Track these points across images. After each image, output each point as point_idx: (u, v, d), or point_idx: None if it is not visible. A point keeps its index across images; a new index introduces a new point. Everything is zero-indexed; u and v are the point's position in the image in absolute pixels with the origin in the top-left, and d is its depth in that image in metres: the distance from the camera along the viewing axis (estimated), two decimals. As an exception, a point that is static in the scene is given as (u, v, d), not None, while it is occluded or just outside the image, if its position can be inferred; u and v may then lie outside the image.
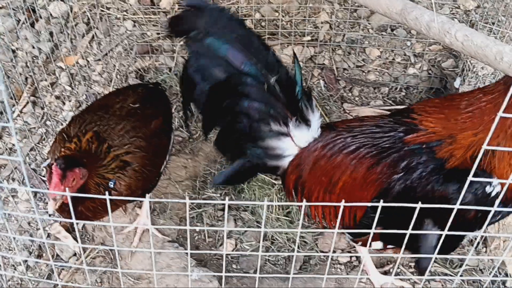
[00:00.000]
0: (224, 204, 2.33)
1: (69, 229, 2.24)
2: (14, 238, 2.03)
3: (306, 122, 1.75)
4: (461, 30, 1.30)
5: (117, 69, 2.89)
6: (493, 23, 2.91)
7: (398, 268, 2.20)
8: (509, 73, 1.24)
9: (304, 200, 1.83)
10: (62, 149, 1.68)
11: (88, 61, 2.93)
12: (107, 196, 1.02)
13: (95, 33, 3.03)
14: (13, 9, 3.07)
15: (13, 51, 2.98)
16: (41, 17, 3.02)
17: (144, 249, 2.13)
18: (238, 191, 2.47)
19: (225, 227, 1.10)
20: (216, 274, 1.39)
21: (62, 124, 2.63)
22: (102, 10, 3.12)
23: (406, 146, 1.69)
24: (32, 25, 3.07)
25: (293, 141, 1.77)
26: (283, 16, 3.08)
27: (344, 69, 2.98)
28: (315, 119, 1.77)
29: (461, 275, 2.09)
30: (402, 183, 1.67)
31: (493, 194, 1.57)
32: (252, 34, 1.70)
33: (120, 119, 1.87)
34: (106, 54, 2.96)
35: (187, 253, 2.11)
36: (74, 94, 2.77)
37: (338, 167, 1.76)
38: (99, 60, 2.94)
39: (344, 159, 1.76)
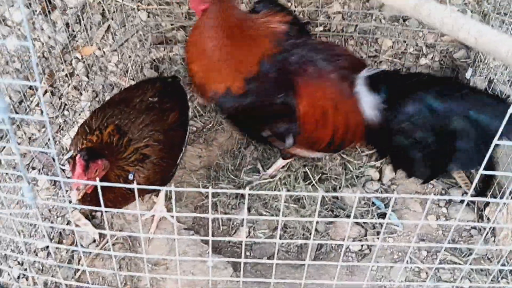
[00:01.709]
0: (238, 194, 2.40)
1: (88, 216, 2.31)
2: (40, 226, 2.11)
3: None
4: (475, 26, 1.32)
5: (133, 60, 2.94)
6: (506, 14, 2.92)
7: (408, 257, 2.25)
8: (521, 68, 1.27)
9: None
10: (84, 141, 1.73)
11: (104, 52, 2.98)
12: (135, 186, 1.07)
13: (110, 24, 3.08)
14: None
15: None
16: (56, 8, 3.07)
17: (166, 235, 2.20)
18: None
19: (245, 216, 1.16)
20: (232, 259, 1.45)
21: (79, 114, 2.69)
22: (116, 1, 3.15)
23: None
24: (48, 15, 3.12)
25: None
26: (295, 7, 3.10)
27: (356, 59, 3.00)
28: None
29: (470, 264, 2.14)
30: None
31: None
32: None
33: (139, 113, 1.93)
34: (122, 45, 3.01)
35: (204, 240, 2.17)
36: (91, 85, 2.83)
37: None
38: (115, 50, 2.99)
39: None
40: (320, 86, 1.94)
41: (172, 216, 2.33)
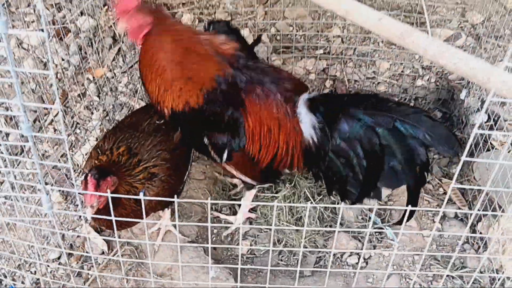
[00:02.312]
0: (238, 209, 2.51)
1: (98, 229, 2.42)
2: (61, 235, 2.22)
3: None
4: (455, 53, 1.45)
5: (141, 81, 3.09)
6: (499, 37, 3.05)
7: (403, 269, 2.34)
8: (497, 92, 1.39)
9: None
10: (96, 162, 1.87)
11: (114, 73, 3.14)
12: (141, 197, 1.19)
13: (121, 47, 3.24)
14: (45, 24, 3.30)
15: (44, 64, 3.20)
16: (70, 32, 3.24)
17: (171, 243, 2.31)
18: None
19: (240, 226, 1.27)
20: (230, 266, 1.56)
21: (90, 132, 2.83)
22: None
23: None
24: (62, 39, 3.29)
25: None
26: (297, 31, 3.25)
27: (355, 80, 3.13)
28: None
29: (460, 276, 2.22)
30: None
31: None
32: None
33: (148, 135, 2.07)
34: (131, 67, 3.16)
35: (207, 253, 2.28)
36: (102, 104, 2.97)
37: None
38: (125, 72, 3.14)
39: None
40: (266, 105, 2.05)
41: (175, 227, 2.45)
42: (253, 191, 2.49)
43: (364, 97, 2.31)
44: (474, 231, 2.41)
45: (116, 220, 1.91)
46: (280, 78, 2.12)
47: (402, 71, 3.10)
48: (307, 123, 2.06)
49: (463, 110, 2.83)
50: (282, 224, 2.51)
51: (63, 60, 3.19)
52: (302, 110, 2.07)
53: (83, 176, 1.74)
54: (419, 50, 1.50)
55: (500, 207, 2.30)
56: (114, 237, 2.40)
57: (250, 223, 2.55)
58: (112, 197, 1.79)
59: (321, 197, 2.61)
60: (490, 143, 2.50)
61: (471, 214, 2.44)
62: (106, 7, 3.39)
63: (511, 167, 2.26)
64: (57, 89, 3.00)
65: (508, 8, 3.16)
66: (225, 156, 2.13)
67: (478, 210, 2.30)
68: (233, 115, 2.05)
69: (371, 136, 1.95)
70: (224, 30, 2.22)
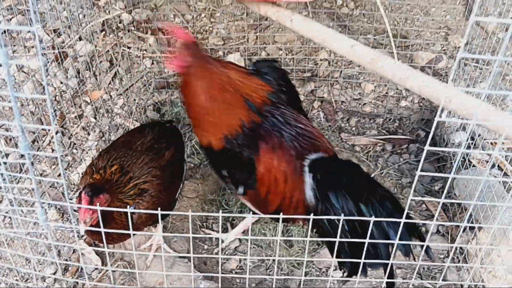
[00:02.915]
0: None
1: (92, 245, 2.52)
2: (56, 250, 2.31)
3: None
4: (419, 77, 1.57)
5: (137, 103, 3.22)
6: (478, 61, 3.18)
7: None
8: (457, 111, 1.51)
9: None
10: (90, 180, 1.98)
11: (111, 96, 3.26)
12: (129, 210, 1.30)
13: (117, 70, 3.37)
14: (43, 49, 3.44)
15: (44, 87, 3.33)
16: (68, 56, 3.38)
17: (163, 253, 2.40)
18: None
19: (219, 235, 1.37)
20: (213, 274, 1.65)
21: (87, 152, 2.94)
22: (123, 49, 3.47)
23: None
24: (61, 63, 3.43)
25: None
26: (286, 54, 3.39)
27: (342, 101, 3.26)
28: None
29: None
30: None
31: None
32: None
33: (140, 153, 2.18)
34: (127, 89, 3.30)
35: (197, 268, 2.37)
36: (98, 126, 3.09)
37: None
38: (121, 94, 3.27)
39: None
40: (277, 157, 2.14)
41: (167, 245, 2.54)
42: (255, 218, 2.58)
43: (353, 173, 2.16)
44: (456, 246, 2.50)
45: (108, 235, 2.02)
46: (299, 134, 2.19)
47: (386, 93, 3.23)
48: (308, 184, 2.11)
49: (444, 130, 2.95)
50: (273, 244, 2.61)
51: (61, 83, 3.32)
52: (307, 170, 2.13)
53: (77, 194, 1.85)
54: (388, 74, 1.63)
55: (477, 220, 2.40)
56: (108, 249, 2.51)
57: (240, 240, 2.64)
58: (105, 214, 1.91)
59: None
60: (469, 160, 2.61)
61: (456, 229, 2.54)
62: (103, 32, 3.54)
63: (491, 185, 2.37)
64: (55, 111, 3.13)
65: (489, 32, 3.31)
66: (240, 190, 2.25)
67: (462, 224, 2.40)
68: (249, 157, 2.16)
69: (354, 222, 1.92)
70: (267, 70, 2.32)
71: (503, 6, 3.37)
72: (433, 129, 1.19)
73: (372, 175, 2.86)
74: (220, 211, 1.32)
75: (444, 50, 3.44)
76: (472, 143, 2.68)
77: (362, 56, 1.68)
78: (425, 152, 1.20)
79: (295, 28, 1.91)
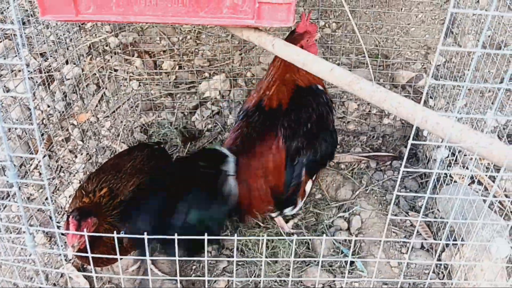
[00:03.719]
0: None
1: (80, 269, 2.52)
2: (44, 275, 2.32)
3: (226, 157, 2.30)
4: (395, 98, 1.63)
5: (124, 125, 3.25)
6: (459, 77, 3.27)
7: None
8: (434, 132, 1.57)
9: None
10: (80, 203, 2.01)
11: (97, 118, 3.29)
12: (115, 235, 1.32)
13: (104, 93, 3.41)
14: (30, 72, 3.47)
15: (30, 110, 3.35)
16: (55, 80, 3.41)
17: (150, 276, 2.41)
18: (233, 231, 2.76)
19: (205, 258, 1.40)
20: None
21: (74, 176, 2.96)
22: (110, 72, 3.51)
23: None
24: (48, 86, 3.45)
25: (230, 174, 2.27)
26: (271, 75, 3.45)
27: (327, 120, 3.32)
28: (227, 151, 2.33)
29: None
30: None
31: None
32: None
33: (130, 176, 2.21)
34: (114, 112, 3.33)
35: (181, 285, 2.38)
36: (86, 148, 3.12)
37: (257, 157, 2.40)
38: (108, 116, 3.30)
39: (257, 151, 2.40)
40: None
41: (158, 268, 2.55)
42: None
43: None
44: (439, 260, 2.55)
45: (97, 258, 2.04)
46: None
47: (369, 111, 3.30)
48: None
49: (426, 146, 3.02)
50: (259, 256, 2.63)
51: (48, 106, 3.34)
52: None
53: (65, 217, 1.87)
54: (365, 96, 1.69)
55: (459, 235, 2.45)
56: (97, 273, 2.51)
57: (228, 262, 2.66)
58: (94, 237, 1.93)
59: (295, 232, 2.75)
60: (451, 176, 2.67)
61: (438, 244, 2.59)
62: (90, 56, 3.58)
63: (471, 200, 2.43)
64: (42, 134, 3.14)
65: (466, 52, 3.40)
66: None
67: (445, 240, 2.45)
68: None
69: None
70: None
71: (480, 25, 3.48)
72: (407, 152, 1.24)
73: (357, 192, 2.91)
74: (206, 234, 1.36)
75: (424, 68, 3.53)
76: (453, 159, 2.75)
77: (340, 78, 1.74)
78: (401, 173, 1.25)
79: (276, 53, 1.97)
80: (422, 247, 2.66)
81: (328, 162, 2.67)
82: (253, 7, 1.85)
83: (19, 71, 3.61)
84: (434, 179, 2.19)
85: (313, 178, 2.56)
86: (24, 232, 1.36)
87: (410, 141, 1.17)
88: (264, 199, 2.41)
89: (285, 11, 1.84)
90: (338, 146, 3.23)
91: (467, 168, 2.70)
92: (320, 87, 2.57)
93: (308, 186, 2.54)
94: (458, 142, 1.47)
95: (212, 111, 3.40)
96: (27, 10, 3.70)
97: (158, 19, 1.88)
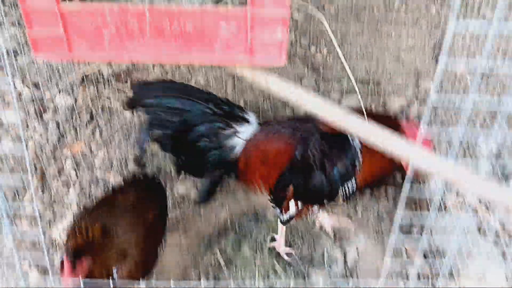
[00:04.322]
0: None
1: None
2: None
3: (246, 121, 2.46)
4: (383, 135, 1.64)
5: (118, 156, 3.24)
6: (449, 102, 3.30)
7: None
8: (429, 173, 1.58)
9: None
10: (73, 242, 1.98)
11: (91, 149, 3.28)
12: (110, 282, 1.31)
13: (97, 122, 3.40)
14: (23, 103, 3.46)
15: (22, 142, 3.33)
16: (47, 109, 3.41)
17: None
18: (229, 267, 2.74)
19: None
20: None
21: (67, 209, 2.93)
22: (103, 102, 3.51)
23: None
24: (41, 116, 3.45)
25: (239, 137, 2.44)
26: (263, 101, 3.47)
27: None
28: (252, 119, 2.47)
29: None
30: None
31: None
32: (186, 85, 2.57)
33: (124, 213, 2.19)
34: (108, 142, 3.32)
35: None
36: (79, 180, 3.09)
37: (269, 143, 2.46)
38: (101, 147, 3.29)
39: (273, 138, 2.47)
40: None
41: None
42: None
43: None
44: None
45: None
46: None
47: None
48: None
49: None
50: None
51: (41, 137, 3.33)
52: None
53: (59, 258, 1.85)
54: (356, 131, 1.70)
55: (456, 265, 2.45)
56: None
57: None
58: (87, 277, 1.90)
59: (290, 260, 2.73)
60: (445, 204, 2.68)
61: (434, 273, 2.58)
62: (83, 85, 3.59)
63: (465, 230, 2.43)
64: (35, 167, 3.12)
65: (457, 76, 3.45)
66: None
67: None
68: None
69: None
70: None
71: (470, 49, 3.53)
72: (404, 194, 1.24)
73: (352, 222, 2.91)
74: (202, 281, 1.34)
75: (416, 95, 3.56)
76: (448, 187, 2.76)
77: (331, 114, 1.76)
78: (398, 218, 1.26)
79: (270, 89, 1.98)
80: (419, 277, 2.65)
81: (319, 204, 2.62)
82: (245, 44, 1.86)
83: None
84: (436, 209, 2.19)
85: (299, 206, 2.56)
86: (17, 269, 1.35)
87: (407, 183, 1.18)
88: (257, 178, 2.53)
89: (277, 49, 1.86)
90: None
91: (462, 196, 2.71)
92: (358, 141, 2.44)
93: (292, 206, 2.55)
94: (449, 179, 1.48)
95: (206, 139, 3.39)
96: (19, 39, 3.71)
97: (151, 57, 1.88)
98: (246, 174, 2.53)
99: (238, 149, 2.46)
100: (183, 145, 2.41)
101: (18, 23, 3.82)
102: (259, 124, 2.50)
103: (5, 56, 1.40)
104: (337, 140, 2.40)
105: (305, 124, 2.48)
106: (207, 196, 2.65)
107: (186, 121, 2.36)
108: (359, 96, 2.17)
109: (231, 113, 2.44)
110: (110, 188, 2.54)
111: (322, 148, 2.41)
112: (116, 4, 1.76)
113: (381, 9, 4.06)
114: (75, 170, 3.16)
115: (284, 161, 2.44)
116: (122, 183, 2.56)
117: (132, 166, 3.20)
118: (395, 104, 3.34)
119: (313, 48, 3.82)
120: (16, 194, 2.99)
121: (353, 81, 2.12)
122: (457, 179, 1.44)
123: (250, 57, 1.89)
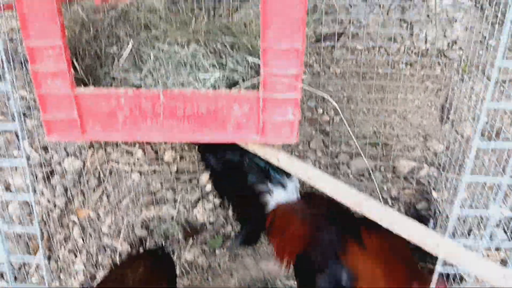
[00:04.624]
0: None
1: None
2: None
3: (282, 185, 2.48)
4: (405, 223, 1.62)
5: (126, 221, 3.21)
6: (459, 165, 3.29)
7: None
8: (446, 258, 1.54)
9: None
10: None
11: (98, 214, 3.26)
12: None
13: (105, 187, 3.39)
14: (31, 166, 3.47)
15: (30, 205, 3.32)
16: (55, 173, 3.41)
17: None
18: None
19: None
20: None
21: (74, 278, 2.88)
22: (111, 165, 3.51)
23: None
24: (48, 180, 3.44)
25: (272, 197, 2.49)
26: (272, 165, 3.47)
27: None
28: (291, 184, 2.49)
29: None
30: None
31: None
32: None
33: (134, 288, 2.14)
34: (115, 207, 3.30)
35: None
36: (86, 247, 3.06)
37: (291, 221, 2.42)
38: (109, 212, 3.27)
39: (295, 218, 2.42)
40: None
41: None
42: None
43: None
44: None
45: None
46: None
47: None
48: None
49: (439, 215, 2.98)
50: None
51: (49, 202, 3.32)
52: None
53: None
54: (374, 217, 1.67)
55: None
56: None
57: None
58: None
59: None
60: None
61: None
62: (91, 148, 3.60)
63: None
64: (42, 233, 3.09)
65: (465, 137, 3.45)
66: None
67: None
68: None
69: None
70: None
71: (477, 112, 3.55)
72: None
73: None
74: None
75: (424, 156, 3.55)
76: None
77: (346, 197, 1.74)
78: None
79: (281, 166, 1.98)
80: None
81: None
82: (257, 124, 1.87)
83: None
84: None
85: None
86: None
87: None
88: (280, 250, 2.48)
89: (289, 128, 1.87)
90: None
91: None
92: None
93: None
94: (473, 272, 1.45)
95: (214, 203, 3.37)
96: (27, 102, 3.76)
97: (164, 138, 1.90)
98: (269, 234, 2.54)
99: (269, 208, 2.50)
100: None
101: (28, 85, 3.88)
102: (300, 193, 2.53)
103: (17, 119, 1.39)
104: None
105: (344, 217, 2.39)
106: (245, 241, 2.68)
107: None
108: (367, 163, 2.15)
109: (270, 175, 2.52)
110: (118, 262, 2.50)
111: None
112: (131, 89, 1.79)
113: (386, 68, 4.11)
114: (81, 238, 3.12)
115: (300, 246, 2.35)
116: (130, 255, 2.51)
117: (139, 231, 3.17)
118: (405, 169, 3.33)
119: (320, 110, 3.85)
120: (24, 264, 2.94)
121: (359, 148, 2.11)
122: None
123: (262, 136, 1.90)
